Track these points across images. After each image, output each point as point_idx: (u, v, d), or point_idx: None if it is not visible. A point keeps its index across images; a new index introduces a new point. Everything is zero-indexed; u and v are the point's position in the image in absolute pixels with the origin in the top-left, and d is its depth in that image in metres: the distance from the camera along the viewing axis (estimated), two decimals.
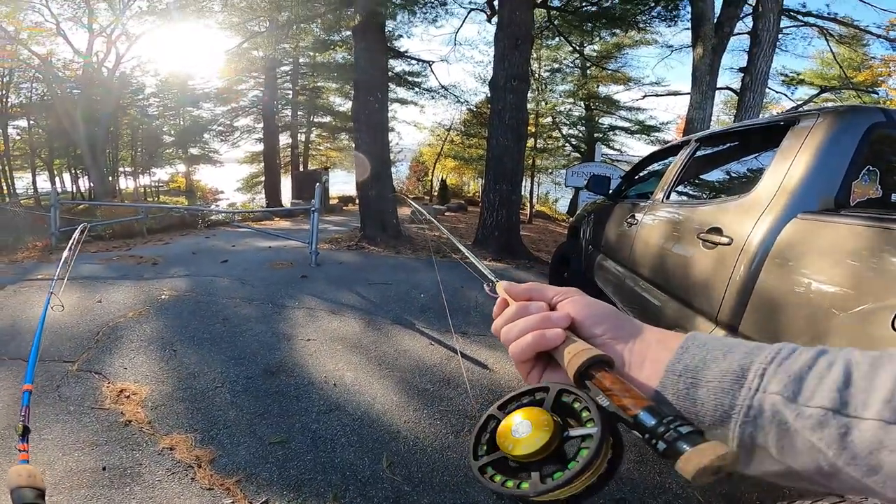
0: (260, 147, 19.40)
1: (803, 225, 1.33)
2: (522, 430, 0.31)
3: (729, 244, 1.57)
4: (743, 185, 1.87)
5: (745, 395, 0.28)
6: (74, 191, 20.60)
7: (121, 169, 21.54)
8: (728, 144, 2.33)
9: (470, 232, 8.31)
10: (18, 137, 18.86)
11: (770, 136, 1.73)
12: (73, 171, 20.63)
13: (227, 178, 23.59)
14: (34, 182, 19.44)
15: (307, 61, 17.62)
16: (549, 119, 17.41)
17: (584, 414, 0.30)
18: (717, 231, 1.67)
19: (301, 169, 19.82)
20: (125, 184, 21.98)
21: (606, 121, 17.59)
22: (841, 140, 1.41)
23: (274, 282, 4.56)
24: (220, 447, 1.91)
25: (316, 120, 20.74)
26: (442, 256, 6.56)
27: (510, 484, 0.31)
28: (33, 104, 16.99)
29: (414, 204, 1.85)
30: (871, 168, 1.38)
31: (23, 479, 0.53)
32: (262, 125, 18.70)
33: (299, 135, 21.00)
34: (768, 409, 0.27)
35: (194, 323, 3.30)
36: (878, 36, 11.38)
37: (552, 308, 0.40)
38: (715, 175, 2.37)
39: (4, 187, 17.97)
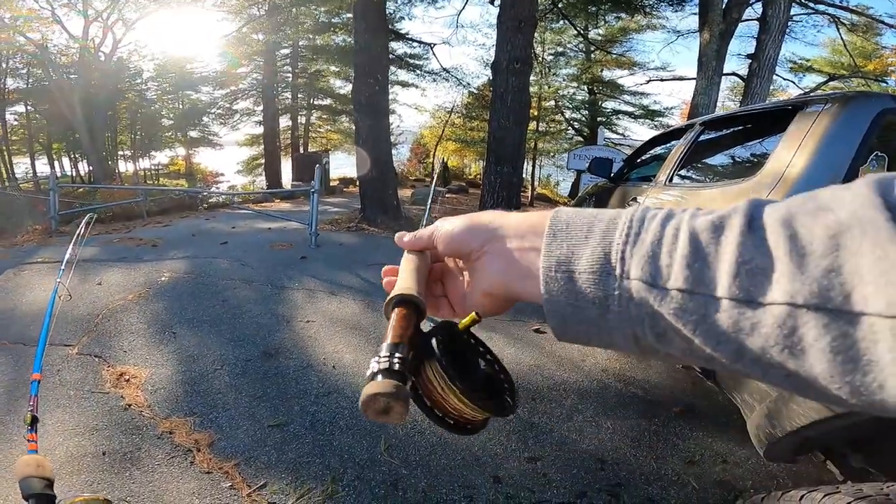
0: (260, 130, 19.26)
1: None
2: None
3: None
4: (747, 168, 1.84)
5: (612, 284, 0.26)
6: (74, 175, 20.56)
7: (120, 152, 21.45)
8: (733, 128, 2.28)
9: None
10: (17, 122, 18.74)
11: (777, 120, 1.69)
12: (72, 156, 20.55)
13: (228, 161, 23.48)
14: (33, 166, 19.40)
15: (307, 44, 17.37)
16: (552, 102, 17.22)
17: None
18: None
19: (301, 151, 19.68)
20: (124, 167, 21.90)
21: (610, 105, 17.38)
22: (849, 125, 1.37)
23: (273, 263, 4.56)
24: (218, 430, 1.92)
25: (316, 102, 20.54)
26: None
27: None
28: (31, 89, 16.85)
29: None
30: (879, 154, 1.35)
31: (31, 469, 0.52)
32: (261, 108, 18.53)
33: (299, 117, 20.81)
34: (636, 296, 0.25)
35: (194, 305, 3.30)
36: (891, 26, 11.15)
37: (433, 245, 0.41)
38: (719, 159, 2.33)
39: (3, 172, 17.92)
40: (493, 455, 1.84)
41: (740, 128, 2.21)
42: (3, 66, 15.98)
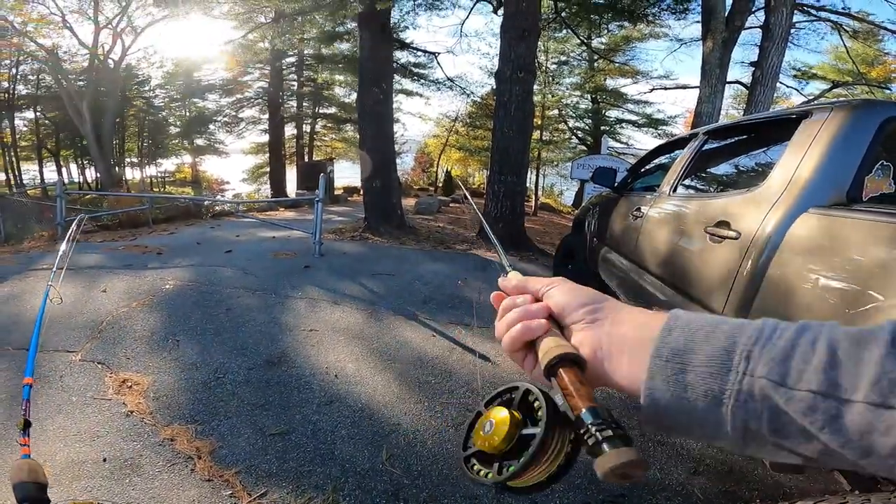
0: (265, 138, 19.43)
1: (814, 219, 1.29)
2: (488, 427, 0.34)
3: (737, 238, 1.54)
4: (752, 178, 1.83)
5: (733, 380, 0.27)
6: (81, 181, 20.77)
7: (127, 159, 21.67)
8: (737, 137, 2.28)
9: (474, 223, 8.28)
10: (26, 128, 18.97)
11: (781, 129, 1.69)
12: (80, 162, 20.78)
13: (233, 169, 23.68)
14: (41, 172, 19.62)
15: (312, 53, 17.56)
16: (556, 111, 17.27)
17: (539, 413, 0.33)
18: (725, 225, 1.64)
19: (306, 160, 19.81)
20: (131, 174, 22.13)
21: (613, 114, 17.44)
22: (854, 134, 1.37)
23: (277, 272, 4.57)
24: (220, 438, 1.91)
25: (321, 111, 20.73)
26: (446, 248, 6.54)
27: (482, 472, 0.35)
28: (40, 96, 17.09)
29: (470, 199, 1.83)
30: (884, 163, 1.34)
31: (24, 474, 0.52)
32: (267, 116, 18.71)
33: (304, 126, 21.00)
34: (758, 393, 0.26)
35: (197, 313, 3.31)
36: (893, 31, 11.15)
37: (539, 299, 0.41)
38: (723, 168, 2.33)
39: (12, 178, 18.11)
40: None
41: (745, 137, 2.21)
42: (13, 71, 16.22)
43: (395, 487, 1.68)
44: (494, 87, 7.36)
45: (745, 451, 0.28)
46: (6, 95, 16.48)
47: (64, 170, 20.34)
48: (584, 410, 0.30)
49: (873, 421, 0.23)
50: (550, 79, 16.25)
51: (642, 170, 3.29)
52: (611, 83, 16.85)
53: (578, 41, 14.35)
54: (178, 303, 3.52)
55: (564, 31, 13.92)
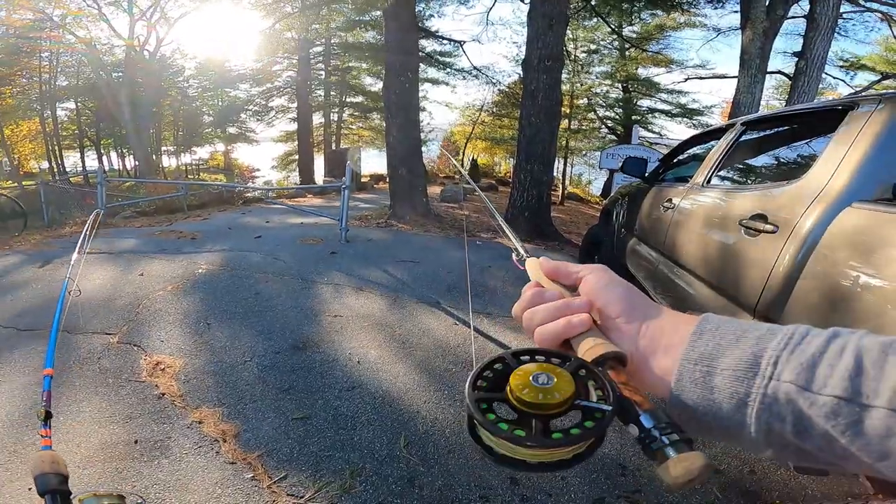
0: (294, 126, 19.75)
1: (858, 214, 1.21)
2: (543, 379, 0.31)
3: (774, 232, 1.46)
4: (792, 171, 1.74)
5: (759, 384, 0.28)
6: (121, 168, 21.62)
7: (163, 148, 22.42)
8: (778, 129, 2.16)
9: (500, 211, 8.18)
10: (67, 118, 19.83)
11: (825, 121, 1.59)
12: (120, 150, 21.61)
13: (263, 157, 24.20)
14: (83, 160, 20.52)
15: (339, 42, 17.64)
16: (585, 100, 16.87)
17: (598, 393, 0.31)
18: (762, 218, 1.56)
19: (333, 147, 20.04)
20: (168, 162, 22.90)
21: (645, 103, 16.87)
22: None
23: (304, 257, 4.65)
24: (245, 421, 1.97)
25: (348, 100, 20.88)
26: (471, 236, 6.52)
27: (504, 426, 0.30)
28: (80, 87, 17.80)
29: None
30: None
31: (46, 466, 0.53)
32: (295, 105, 18.99)
33: (332, 114, 21.22)
34: (783, 397, 0.27)
35: (228, 297, 3.41)
36: None
37: (574, 285, 0.40)
38: (761, 160, 2.22)
39: (55, 165, 19.01)
40: None
41: (785, 128, 2.09)
42: (54, 62, 16.93)
43: (412, 475, 1.70)
44: (521, 75, 7.23)
45: (766, 452, 0.29)
46: (48, 86, 17.23)
47: (104, 158, 21.22)
48: (643, 412, 0.29)
49: (893, 426, 0.24)
50: (580, 67, 15.84)
51: (675, 160, 3.18)
52: (643, 72, 16.28)
53: (609, 30, 13.91)
54: (209, 287, 3.63)
55: (595, 20, 13.51)
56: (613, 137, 16.72)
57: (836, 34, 8.22)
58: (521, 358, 0.35)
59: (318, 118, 20.72)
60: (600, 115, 17.39)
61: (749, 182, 2.12)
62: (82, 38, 14.85)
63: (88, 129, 19.86)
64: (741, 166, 2.25)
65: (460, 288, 3.92)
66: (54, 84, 17.48)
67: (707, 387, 0.30)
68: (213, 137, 23.04)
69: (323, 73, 19.50)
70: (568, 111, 14.77)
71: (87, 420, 1.92)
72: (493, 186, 14.92)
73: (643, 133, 15.60)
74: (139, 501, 0.61)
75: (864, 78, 13.49)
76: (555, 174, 11.21)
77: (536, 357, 0.35)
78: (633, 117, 16.43)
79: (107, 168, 19.53)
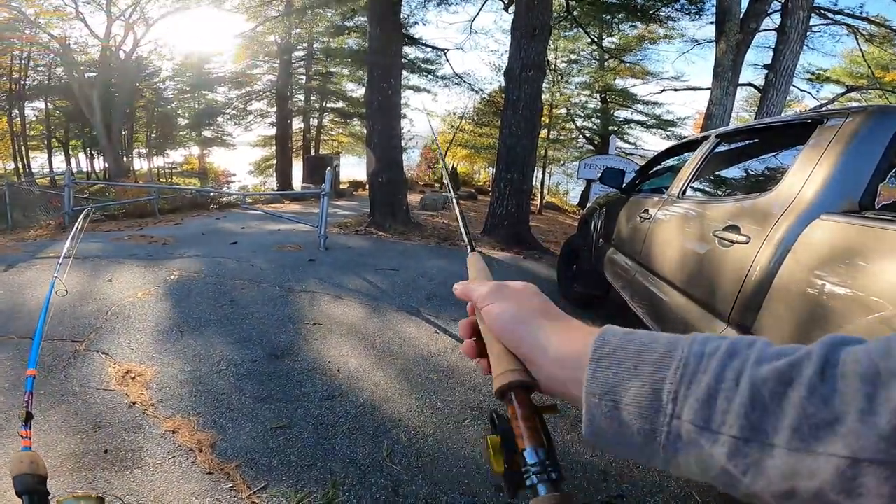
0: (273, 131, 19.51)
1: (826, 226, 1.27)
2: (489, 454, 0.34)
3: (746, 243, 1.52)
4: (764, 183, 1.81)
5: (662, 422, 0.27)
6: (90, 170, 20.93)
7: (136, 150, 21.81)
8: (750, 141, 2.25)
9: (479, 220, 8.26)
10: (35, 118, 19.12)
11: (795, 133, 1.66)
12: (89, 152, 20.94)
13: (240, 161, 23.79)
14: (50, 162, 19.78)
15: (321, 46, 17.58)
16: (564, 110, 17.23)
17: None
18: (735, 229, 1.61)
19: (313, 153, 19.86)
20: (139, 164, 22.28)
21: (622, 114, 17.37)
22: (870, 140, 1.34)
23: (282, 265, 4.57)
24: (221, 431, 1.91)
25: (328, 105, 20.78)
26: (451, 244, 6.53)
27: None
28: (51, 86, 17.21)
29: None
30: None
31: (24, 466, 0.52)
32: (275, 109, 18.77)
33: (312, 119, 21.06)
34: (685, 436, 0.27)
35: (202, 304, 3.32)
36: None
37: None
38: (734, 172, 2.30)
39: (20, 166, 18.26)
40: None
41: (758, 140, 2.18)
42: (24, 62, 16.34)
43: (395, 483, 1.68)
44: (503, 84, 7.32)
45: (683, 477, 0.29)
46: (17, 86, 16.60)
47: (73, 159, 20.53)
48: (526, 448, 0.31)
49: (796, 466, 0.23)
50: (559, 77, 16.18)
51: (651, 171, 3.26)
52: (620, 83, 16.77)
53: (589, 40, 14.26)
54: (182, 293, 3.53)
55: (575, 30, 13.84)
56: (591, 147, 17.10)
57: (804, 47, 8.61)
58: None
59: (297, 123, 20.52)
60: (578, 125, 17.79)
61: (723, 193, 2.19)
62: (57, 37, 14.38)
63: (57, 129, 19.18)
64: (715, 178, 2.32)
65: (440, 296, 3.91)
66: (24, 83, 16.85)
67: (616, 421, 0.29)
68: (188, 140, 22.56)
69: (304, 77, 19.36)
70: (547, 121, 15.04)
71: (54, 429, 1.84)
72: (473, 195, 15.01)
73: (620, 144, 15.94)
74: None
75: (829, 90, 14.20)
76: (534, 184, 11.37)
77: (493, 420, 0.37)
78: (611, 128, 16.83)
79: (75, 170, 18.87)
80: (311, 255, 5.07)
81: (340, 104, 20.36)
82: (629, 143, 16.92)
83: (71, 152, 20.52)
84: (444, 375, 2.53)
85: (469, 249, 0.54)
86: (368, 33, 7.60)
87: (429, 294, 3.95)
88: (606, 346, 0.31)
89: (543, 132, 14.77)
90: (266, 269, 4.38)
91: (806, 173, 1.43)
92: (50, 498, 0.55)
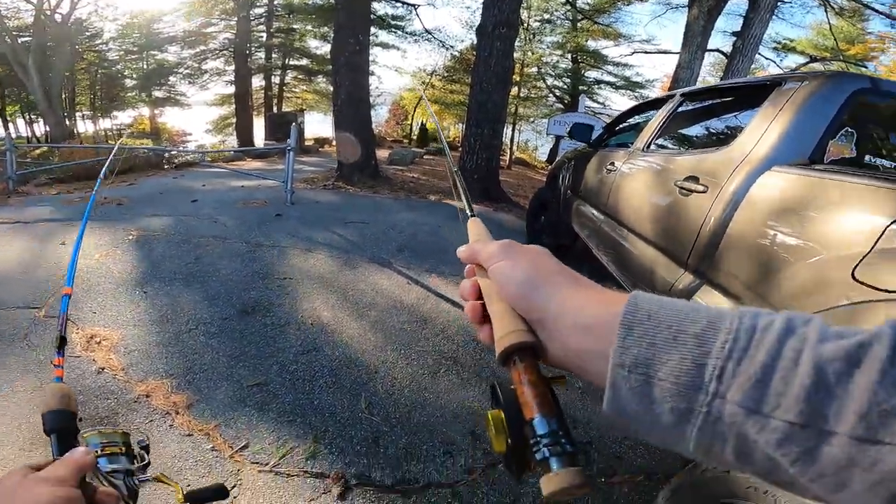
0: (231, 89, 18.45)
1: (776, 177, 1.35)
2: (490, 430, 0.31)
3: (704, 192, 1.59)
4: (723, 138, 1.88)
5: (702, 401, 0.24)
6: (29, 135, 19.56)
7: (79, 113, 20.36)
8: (712, 100, 2.33)
9: (450, 175, 8.23)
10: None
11: (755, 94, 1.72)
12: (28, 117, 19.49)
13: (196, 120, 22.59)
14: None
15: (283, 2, 16.51)
16: (535, 69, 17.05)
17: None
18: (694, 179, 1.68)
19: (275, 111, 18.98)
20: (84, 127, 20.84)
21: (592, 74, 17.49)
22: (824, 101, 1.42)
23: (247, 220, 4.46)
24: (197, 391, 1.91)
25: (291, 63, 19.73)
26: (420, 197, 6.52)
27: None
28: None
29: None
30: (849, 130, 1.40)
31: (55, 402, 0.50)
32: (233, 68, 17.70)
33: (273, 77, 19.98)
34: (727, 419, 0.24)
35: (165, 264, 3.22)
36: (880, 12, 11.31)
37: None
38: (696, 128, 2.38)
39: None
40: (471, 412, 1.90)
41: (719, 101, 2.25)
42: None
43: (375, 435, 1.73)
44: (475, 41, 7.15)
45: (705, 462, 0.26)
46: None
47: (10, 125, 19.06)
48: (535, 417, 0.28)
49: (856, 456, 0.21)
50: (532, 36, 15.92)
51: (618, 127, 3.31)
52: (592, 44, 16.75)
53: (563, 0, 13.94)
54: (143, 254, 3.41)
55: None
56: (560, 106, 17.08)
57: (774, 16, 8.71)
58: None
59: (258, 81, 19.46)
60: (549, 83, 17.69)
61: (684, 147, 2.26)
62: None
63: None
64: (678, 133, 2.39)
65: (411, 247, 3.93)
66: None
67: (646, 397, 0.26)
68: (138, 101, 21.10)
69: (264, 34, 18.19)
70: (518, 79, 14.84)
71: (22, 401, 1.78)
72: (445, 149, 14.83)
73: (589, 103, 15.99)
74: (142, 438, 0.57)
75: (793, 60, 14.54)
76: (503, 140, 11.30)
77: (493, 394, 0.34)
78: (581, 87, 16.84)
79: (14, 136, 17.49)
80: (278, 210, 4.95)
81: (304, 61, 19.37)
82: (598, 102, 17.03)
83: (9, 118, 18.98)
84: (417, 326, 2.58)
85: (469, 213, 0.49)
86: None
87: (399, 246, 3.96)
88: (640, 311, 0.27)
89: (514, 90, 14.57)
90: (231, 225, 4.26)
91: (762, 130, 1.50)
92: (79, 435, 0.53)
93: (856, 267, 0.97)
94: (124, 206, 4.99)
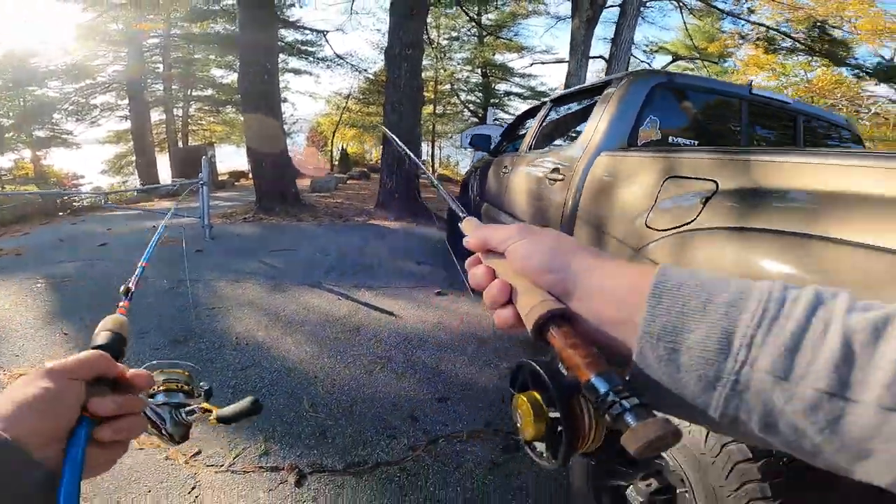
0: (127, 125, 17.24)
1: (604, 160, 1.78)
2: (518, 419, 0.32)
3: (563, 180, 2.01)
4: (573, 136, 2.35)
5: (730, 368, 0.25)
6: None
7: None
8: (569, 104, 2.81)
9: (372, 197, 8.44)
10: None
11: (595, 95, 2.18)
12: None
13: (89, 161, 20.65)
14: None
15: (182, 32, 15.88)
16: (448, 86, 17.81)
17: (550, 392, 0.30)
18: (556, 171, 2.10)
19: (180, 146, 18.02)
20: None
21: (502, 87, 18.58)
22: (633, 96, 1.88)
23: (165, 259, 4.34)
24: None
25: (195, 94, 18.84)
26: (345, 221, 6.66)
27: (545, 456, 0.32)
28: None
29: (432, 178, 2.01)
30: (652, 117, 1.87)
31: (108, 323, 0.51)
32: (127, 102, 16.57)
33: (176, 110, 18.96)
34: (755, 386, 0.24)
35: (81, 306, 3.12)
36: (724, 12, 13.12)
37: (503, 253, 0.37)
38: (559, 128, 2.86)
39: None
40: (408, 399, 2.11)
41: (575, 103, 2.74)
42: None
43: (322, 429, 1.88)
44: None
45: (727, 434, 0.27)
46: None
47: None
48: (592, 377, 0.27)
49: (881, 425, 0.21)
50: (442, 54, 16.68)
51: (511, 135, 3.78)
52: (499, 58, 17.79)
53: (468, 17, 14.86)
54: (56, 297, 3.30)
55: (455, 8, 14.34)
56: (475, 119, 17.98)
57: (642, 21, 9.90)
58: (516, 387, 0.34)
59: (157, 115, 18.36)
60: (462, 98, 18.56)
61: (552, 145, 2.73)
62: None
63: None
64: (548, 134, 2.87)
65: (339, 268, 4.10)
66: None
67: (673, 364, 0.27)
68: (16, 143, 19.02)
69: (161, 66, 17.29)
70: (433, 96, 15.49)
71: None
72: (366, 174, 15.00)
73: (500, 115, 17.07)
74: (206, 383, 0.56)
75: (662, 60, 16.44)
76: (424, 157, 11.74)
77: (518, 378, 0.34)
78: (492, 100, 17.88)
79: None
80: (198, 247, 4.87)
81: (209, 92, 18.62)
82: (510, 114, 18.14)
83: None
84: (350, 335, 2.75)
85: (462, 215, 0.50)
86: (238, 18, 7.17)
87: (328, 268, 4.11)
88: (670, 281, 0.28)
89: (430, 108, 15.19)
90: (149, 264, 4.15)
91: (595, 125, 1.94)
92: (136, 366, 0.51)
93: (647, 216, 1.37)
94: (23, 256, 4.65)
